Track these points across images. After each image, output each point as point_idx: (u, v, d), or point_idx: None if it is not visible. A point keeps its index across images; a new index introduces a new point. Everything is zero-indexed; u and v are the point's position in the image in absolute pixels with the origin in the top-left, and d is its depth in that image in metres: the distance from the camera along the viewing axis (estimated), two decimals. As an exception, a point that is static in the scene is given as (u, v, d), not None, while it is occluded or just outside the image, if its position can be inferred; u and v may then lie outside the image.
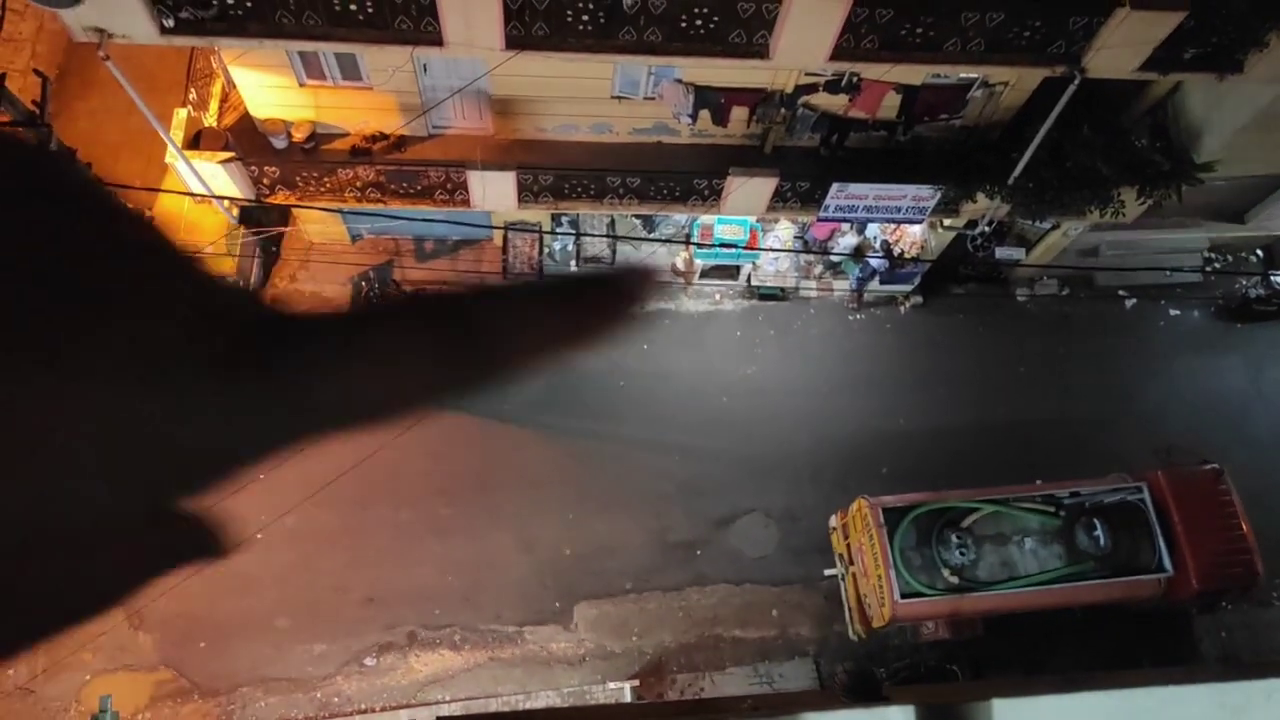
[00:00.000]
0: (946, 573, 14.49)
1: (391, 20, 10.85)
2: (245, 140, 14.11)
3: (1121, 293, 19.50)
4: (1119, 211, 15.17)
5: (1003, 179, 14.29)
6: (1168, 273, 19.00)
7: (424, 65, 12.96)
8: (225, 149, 13.75)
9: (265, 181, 14.37)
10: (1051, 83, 12.72)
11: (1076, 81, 12.18)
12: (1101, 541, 14.75)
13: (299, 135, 14.12)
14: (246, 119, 14.15)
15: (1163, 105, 15.07)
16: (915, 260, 17.92)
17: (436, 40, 10.95)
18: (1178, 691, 3.11)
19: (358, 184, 14.44)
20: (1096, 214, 15.27)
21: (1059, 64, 11.94)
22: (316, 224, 17.37)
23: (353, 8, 10.73)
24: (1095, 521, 14.87)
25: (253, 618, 15.29)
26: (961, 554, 14.50)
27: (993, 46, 11.64)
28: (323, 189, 14.54)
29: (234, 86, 13.77)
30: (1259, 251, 19.83)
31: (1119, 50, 11.58)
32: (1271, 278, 18.91)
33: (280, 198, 14.70)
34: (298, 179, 14.36)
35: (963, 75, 13.24)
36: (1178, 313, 19.48)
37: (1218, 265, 19.65)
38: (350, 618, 15.49)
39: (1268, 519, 15.50)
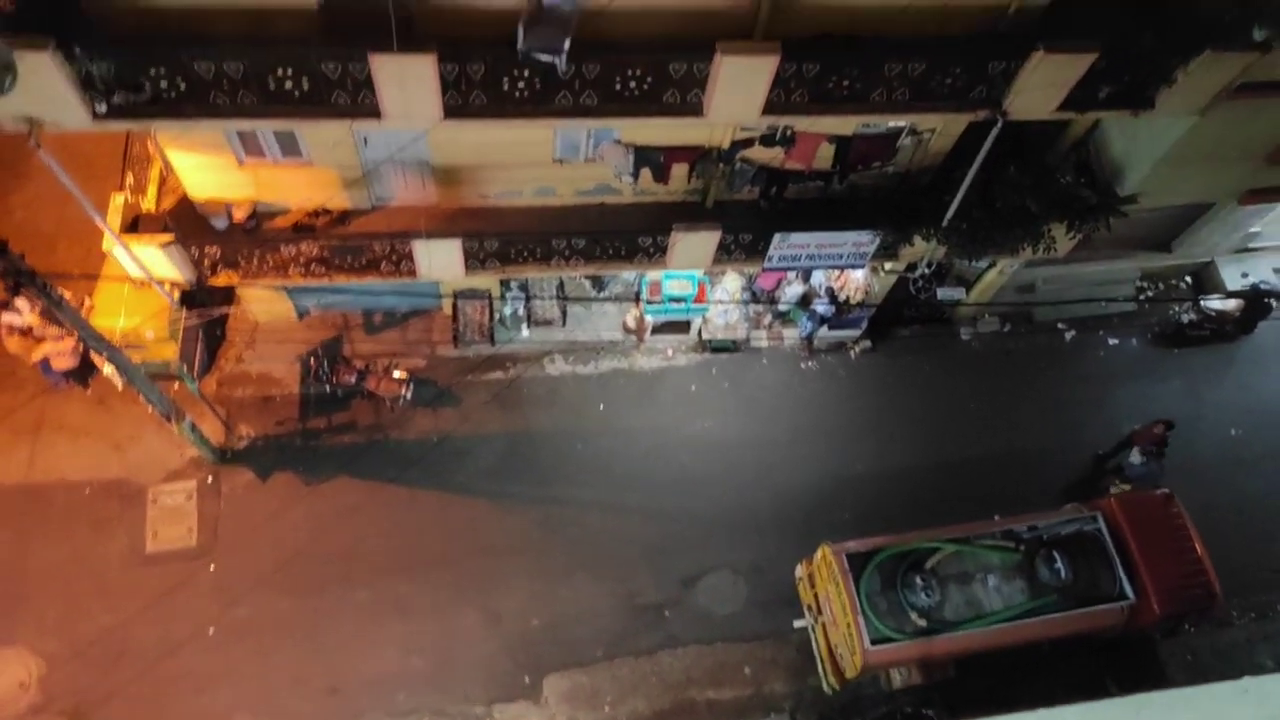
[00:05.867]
0: (914, 615, 14.45)
1: (328, 96, 10.91)
2: (185, 222, 13.98)
3: (1061, 326, 20.01)
4: (1050, 247, 15.67)
5: (937, 221, 14.69)
6: (1103, 303, 19.57)
7: (364, 138, 13.03)
8: (164, 232, 13.60)
9: (207, 262, 14.21)
10: (977, 126, 13.19)
11: (999, 124, 12.64)
12: (1062, 573, 14.88)
13: (240, 215, 14.03)
14: (186, 201, 14.05)
15: (1084, 142, 15.71)
16: (861, 305, 18.25)
17: (375, 113, 11.03)
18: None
19: (302, 260, 14.34)
20: (1030, 250, 15.76)
21: (981, 108, 12.40)
22: (261, 303, 17.19)
23: (288, 86, 10.77)
24: (1054, 554, 15.02)
25: (208, 718, 14.62)
26: (927, 595, 14.49)
27: (917, 95, 12.05)
28: (266, 267, 14.41)
29: (172, 169, 13.68)
30: (1188, 278, 20.54)
31: (1037, 92, 12.07)
32: (1202, 303, 19.56)
33: (223, 278, 14.52)
34: (240, 258, 14.22)
35: (891, 124, 13.67)
36: (1116, 342, 20.02)
37: (1150, 293, 20.29)
38: (312, 711, 14.87)
39: (1218, 540, 15.77)
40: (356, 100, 10.93)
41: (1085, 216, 15.17)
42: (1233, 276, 19.90)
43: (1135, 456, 17.59)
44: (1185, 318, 19.84)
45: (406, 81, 10.63)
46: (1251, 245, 19.89)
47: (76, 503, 15.86)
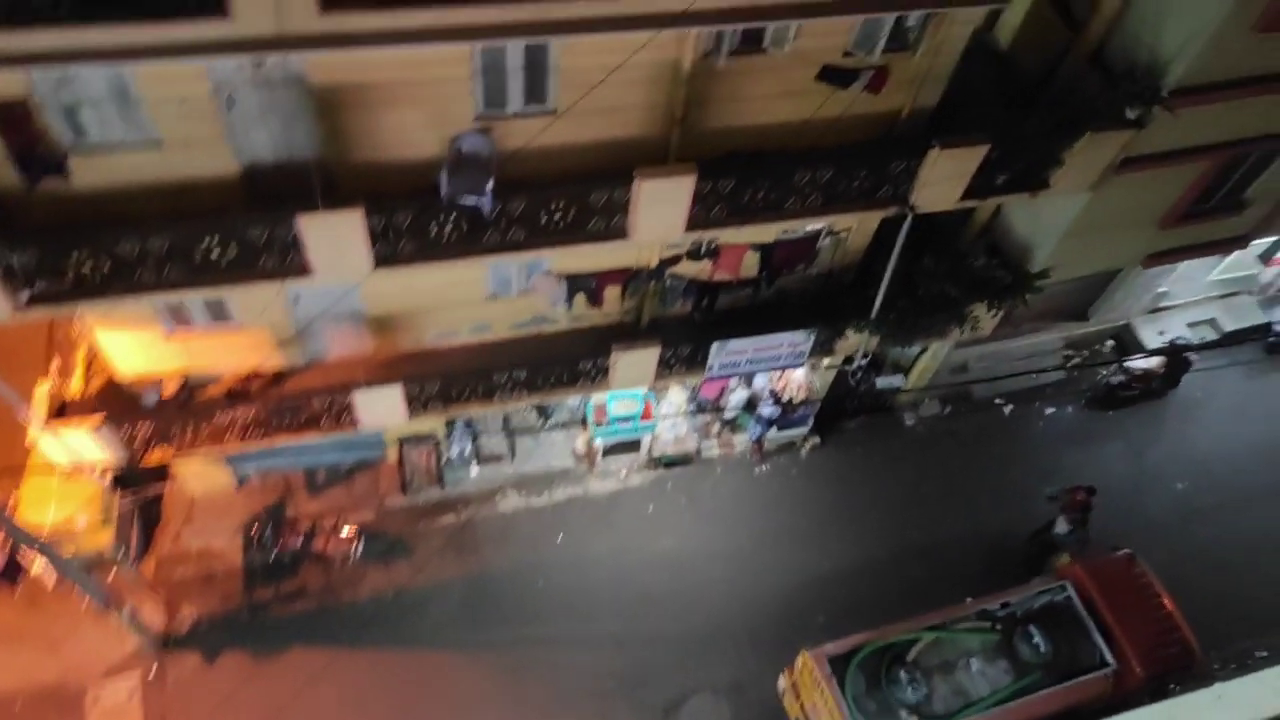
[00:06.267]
0: (904, 713, 14.10)
1: (256, 260, 10.94)
2: (114, 402, 13.62)
3: (998, 401, 20.50)
4: (976, 326, 16.22)
5: (866, 314, 15.13)
6: (1034, 375, 20.16)
7: (295, 297, 13.01)
8: (93, 414, 13.22)
9: (139, 441, 13.79)
10: (890, 222, 13.79)
11: (909, 218, 13.25)
12: (1042, 648, 14.80)
13: (171, 388, 13.75)
14: (114, 380, 13.73)
15: (991, 227, 16.51)
16: (805, 403, 18.48)
17: (304, 271, 11.07)
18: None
19: (238, 425, 14.03)
20: (958, 332, 16.27)
21: (891, 205, 13.01)
22: (197, 475, 16.67)
23: (215, 255, 10.78)
24: (1031, 629, 14.97)
25: None
26: (914, 690, 14.20)
27: (829, 199, 12.61)
28: (202, 437, 14.05)
29: (98, 350, 13.43)
30: (1110, 342, 21.33)
31: (940, 185, 12.74)
32: (1126, 364, 20.26)
33: (157, 455, 14.09)
34: (174, 432, 13.84)
35: (809, 227, 14.21)
36: (1053, 410, 20.53)
37: (1077, 360, 20.99)
38: None
39: (1186, 594, 15.89)
40: (285, 261, 10.98)
41: (1003, 295, 15.81)
42: (1151, 335, 20.75)
43: (1061, 526, 17.53)
44: (1114, 380, 20.48)
45: (335, 238, 10.75)
46: (1163, 304, 20.86)
47: (7, 718, 14.74)
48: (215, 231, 10.57)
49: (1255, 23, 12.02)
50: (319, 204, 10.42)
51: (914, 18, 11.32)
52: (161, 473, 16.50)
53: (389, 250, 11.25)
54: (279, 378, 14.27)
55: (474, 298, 14.07)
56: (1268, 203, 16.53)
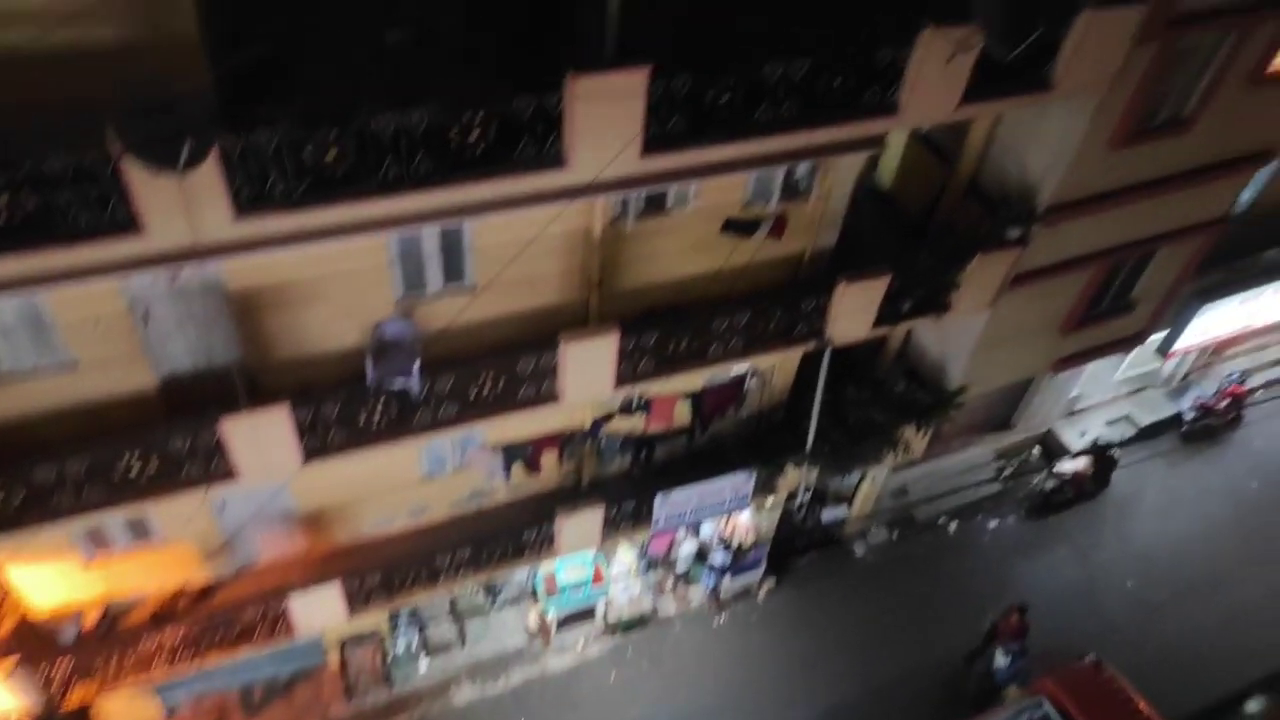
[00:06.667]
0: None
1: (179, 471, 10.62)
2: (29, 642, 12.66)
3: (941, 520, 20.64)
4: (908, 448, 16.54)
5: (800, 449, 15.33)
6: (971, 489, 20.45)
7: (221, 503, 12.56)
8: (5, 659, 12.24)
9: (57, 682, 12.76)
10: (811, 357, 14.23)
11: (828, 352, 13.72)
12: (1031, 769, 14.37)
13: (90, 620, 12.90)
14: (28, 618, 12.82)
15: (904, 352, 17.16)
16: (754, 546, 18.32)
17: (230, 475, 10.76)
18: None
19: (165, 650, 13.15)
20: (891, 455, 16.56)
21: (808, 340, 13.47)
22: (123, 710, 15.38)
23: (134, 472, 10.43)
24: (1018, 751, 14.57)
25: None
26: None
27: (749, 341, 13.00)
28: (126, 668, 13.09)
29: (9, 587, 12.60)
30: (1036, 449, 21.92)
31: (851, 317, 13.29)
32: (1055, 468, 20.74)
33: (78, 694, 13.03)
34: (96, 667, 12.88)
35: (734, 371, 14.55)
36: (995, 523, 20.73)
37: (1008, 470, 21.45)
38: None
39: (1156, 693, 15.77)
40: (210, 468, 10.68)
41: (926, 415, 16.30)
42: (1073, 438, 21.42)
43: (1000, 659, 16.91)
44: (1047, 486, 20.88)
45: (261, 437, 10.54)
46: (1079, 406, 21.68)
47: None
48: (136, 447, 10.27)
49: (1109, 141, 13.22)
50: (242, 405, 10.28)
51: (802, 168, 12.12)
52: (82, 714, 15.19)
53: (318, 442, 11.06)
54: (207, 591, 13.55)
55: (409, 480, 13.82)
56: (1154, 300, 17.65)
